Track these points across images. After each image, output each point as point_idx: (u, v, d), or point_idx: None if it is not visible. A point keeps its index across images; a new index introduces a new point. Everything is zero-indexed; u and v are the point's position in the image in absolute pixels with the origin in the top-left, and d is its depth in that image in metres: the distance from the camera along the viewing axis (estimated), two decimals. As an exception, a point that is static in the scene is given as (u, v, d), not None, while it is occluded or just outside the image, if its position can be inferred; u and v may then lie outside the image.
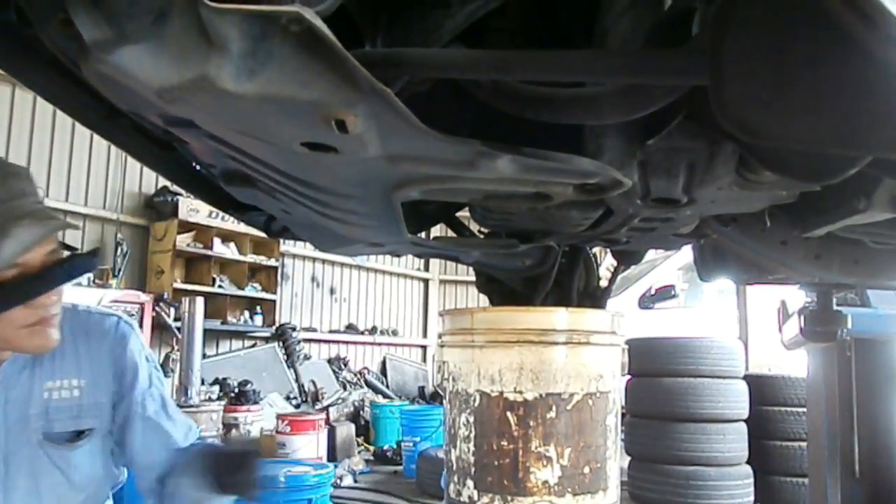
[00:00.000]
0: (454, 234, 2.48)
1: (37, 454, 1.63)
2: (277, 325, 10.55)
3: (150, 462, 1.79)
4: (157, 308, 8.17)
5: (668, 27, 1.08)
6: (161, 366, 8.39)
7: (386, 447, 9.11)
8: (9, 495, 1.59)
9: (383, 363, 13.01)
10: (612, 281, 3.01)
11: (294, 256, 11.52)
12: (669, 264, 8.96)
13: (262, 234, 2.26)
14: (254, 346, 10.44)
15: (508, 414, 1.94)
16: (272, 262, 10.36)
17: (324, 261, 12.10)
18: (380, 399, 11.16)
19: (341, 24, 0.92)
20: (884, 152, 0.86)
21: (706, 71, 0.88)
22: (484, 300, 2.99)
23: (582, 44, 1.24)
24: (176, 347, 8.09)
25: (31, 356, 1.64)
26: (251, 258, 10.01)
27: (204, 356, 8.27)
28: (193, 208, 8.80)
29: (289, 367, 10.49)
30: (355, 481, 7.53)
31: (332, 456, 8.25)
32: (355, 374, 11.90)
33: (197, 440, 1.89)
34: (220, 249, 9.52)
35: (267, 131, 1.02)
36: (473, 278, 3.01)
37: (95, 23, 0.80)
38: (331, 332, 12.24)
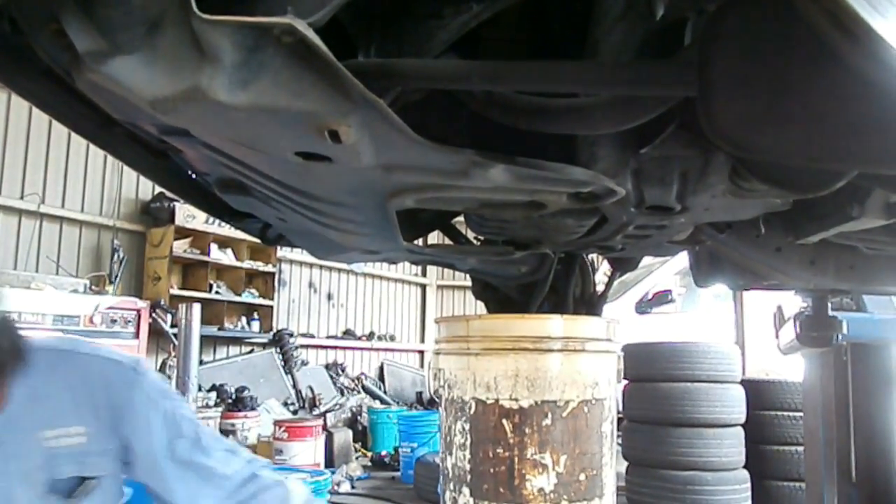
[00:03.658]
0: (450, 241, 2.48)
1: None
2: (275, 331, 10.53)
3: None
4: (153, 314, 8.15)
5: (660, 37, 1.09)
6: (158, 372, 8.41)
7: (383, 453, 9.10)
8: None
9: (381, 369, 12.99)
10: (608, 287, 3.01)
11: (291, 262, 11.51)
12: (666, 269, 8.95)
13: (259, 241, 2.26)
14: (251, 352, 10.42)
15: (504, 421, 1.94)
16: (269, 268, 10.34)
17: (321, 266, 12.08)
18: (377, 405, 11.13)
19: (334, 35, 0.92)
20: (869, 167, 0.86)
21: (696, 83, 0.88)
22: (481, 306, 2.99)
23: (574, 54, 1.24)
24: (173, 354, 8.08)
25: (21, 409, 1.54)
26: (248, 264, 10.00)
27: (201, 362, 8.25)
28: (190, 214, 8.79)
29: (286, 373, 10.47)
30: (353, 487, 7.51)
31: (330, 462, 8.24)
32: (353, 380, 11.87)
33: (256, 469, 1.76)
34: (217, 255, 9.51)
35: (261, 141, 1.03)
36: (471, 284, 3.01)
37: (88, 33, 0.80)
38: (328, 337, 12.22)
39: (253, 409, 8.65)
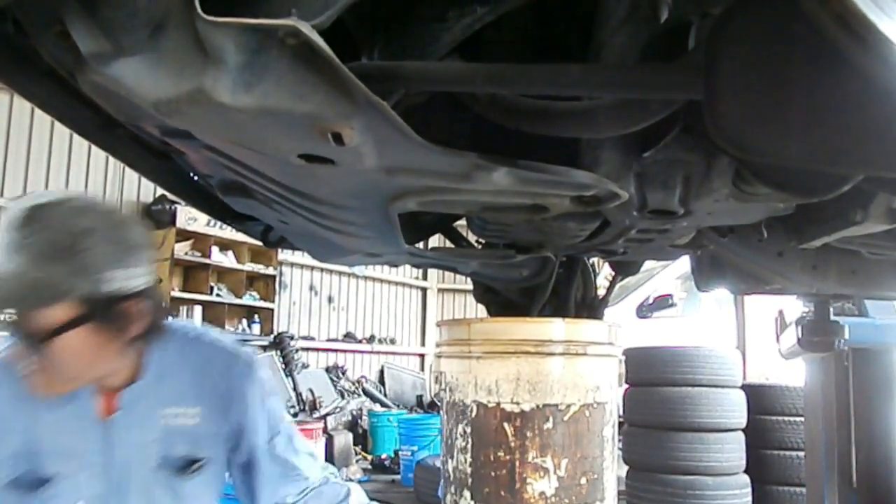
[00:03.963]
0: (451, 245, 2.48)
1: (152, 480, 1.64)
2: (275, 333, 10.54)
3: (277, 499, 1.81)
4: (154, 316, 8.13)
5: (664, 41, 1.08)
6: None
7: (384, 456, 9.10)
8: None
9: (381, 372, 12.99)
10: (609, 291, 3.01)
11: (292, 265, 11.51)
12: (667, 273, 8.95)
13: (260, 243, 2.27)
14: (251, 354, 10.40)
15: (505, 425, 1.94)
16: (270, 271, 10.36)
17: (322, 269, 12.09)
18: (378, 408, 11.14)
19: (338, 37, 0.92)
20: (875, 170, 0.86)
21: (701, 86, 0.88)
22: (482, 310, 2.99)
23: (579, 56, 1.24)
24: (173, 356, 8.06)
25: (151, 382, 1.64)
26: (249, 267, 10.01)
27: (201, 364, 8.24)
28: (191, 217, 8.80)
29: (286, 375, 10.47)
30: (352, 490, 7.50)
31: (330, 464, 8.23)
32: (353, 383, 11.87)
33: (328, 474, 1.89)
34: (218, 258, 9.52)
35: (264, 143, 1.03)
36: (472, 287, 3.01)
37: (92, 35, 0.80)
38: (329, 340, 12.23)
39: (253, 411, 8.63)
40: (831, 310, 3.40)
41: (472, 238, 2.42)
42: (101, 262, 1.40)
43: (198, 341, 1.77)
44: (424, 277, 14.33)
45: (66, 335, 1.40)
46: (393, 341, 13.59)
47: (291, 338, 10.83)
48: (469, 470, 1.99)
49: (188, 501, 1.69)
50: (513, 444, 1.93)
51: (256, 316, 10.25)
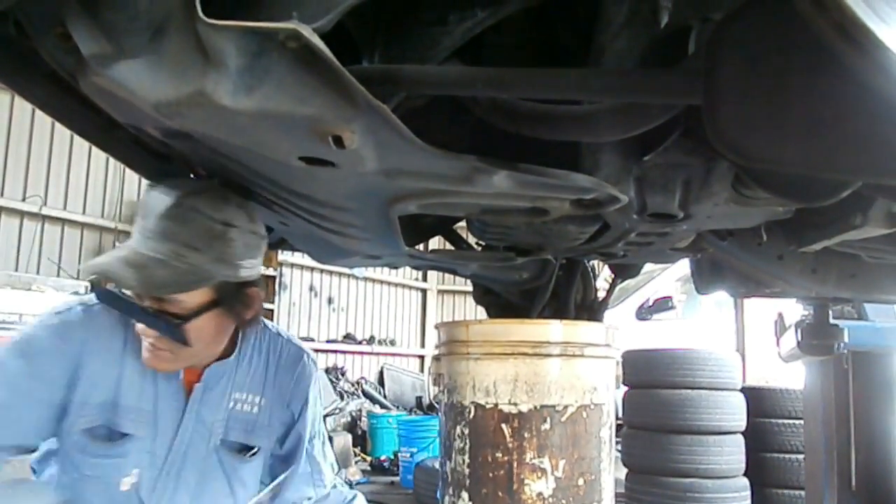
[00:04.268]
0: (452, 247, 2.48)
1: (211, 457, 1.71)
2: (275, 334, 10.52)
3: (297, 496, 1.87)
4: (154, 316, 8.12)
5: (665, 45, 1.08)
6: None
7: (383, 457, 9.08)
8: (178, 488, 1.66)
9: (381, 373, 12.97)
10: (609, 293, 3.00)
11: (292, 266, 11.51)
12: (667, 276, 8.94)
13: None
14: (251, 355, 10.39)
15: (503, 426, 1.94)
16: (270, 272, 10.34)
17: (322, 270, 12.09)
18: (377, 409, 11.12)
19: (339, 40, 0.92)
20: (874, 177, 0.86)
21: (700, 91, 0.88)
22: (482, 311, 2.99)
23: (579, 61, 1.24)
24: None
25: (231, 364, 1.72)
26: (249, 267, 10.00)
27: (201, 365, 8.24)
28: (192, 217, 8.78)
29: (286, 376, 10.44)
30: (352, 492, 7.49)
31: (329, 466, 8.21)
32: (353, 384, 11.86)
33: (336, 482, 1.96)
34: (218, 258, 9.50)
35: (264, 146, 1.03)
36: (472, 289, 3.01)
37: (94, 37, 0.80)
38: (328, 341, 12.21)
39: (253, 412, 8.62)
40: (831, 313, 3.40)
41: (472, 240, 2.42)
42: (241, 251, 1.48)
43: (274, 336, 1.86)
44: (424, 279, 14.32)
45: (198, 318, 1.49)
46: (393, 343, 13.57)
47: (291, 338, 10.82)
48: (467, 471, 1.99)
49: (237, 486, 1.75)
50: (510, 445, 1.93)
51: (256, 316, 10.25)
